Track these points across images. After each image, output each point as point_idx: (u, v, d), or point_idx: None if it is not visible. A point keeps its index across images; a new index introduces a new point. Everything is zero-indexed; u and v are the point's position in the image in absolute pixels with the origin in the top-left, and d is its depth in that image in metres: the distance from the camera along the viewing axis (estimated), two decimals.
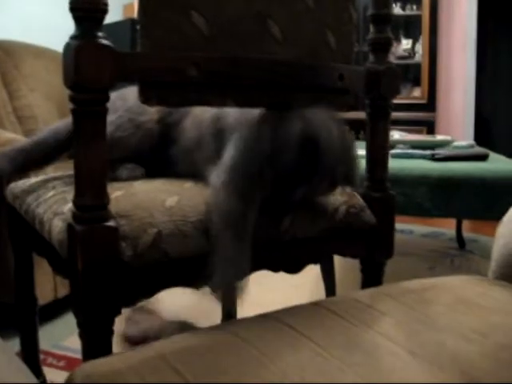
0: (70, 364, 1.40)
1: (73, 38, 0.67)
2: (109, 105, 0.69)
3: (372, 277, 1.00)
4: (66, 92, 0.69)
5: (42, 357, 1.30)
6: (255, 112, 0.83)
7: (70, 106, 0.68)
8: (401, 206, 1.46)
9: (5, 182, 1.08)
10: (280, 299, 1.26)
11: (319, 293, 1.75)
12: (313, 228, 0.89)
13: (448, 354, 0.56)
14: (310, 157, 0.77)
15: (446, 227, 2.98)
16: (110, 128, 0.73)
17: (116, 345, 0.73)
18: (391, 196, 0.99)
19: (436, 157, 1.74)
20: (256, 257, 0.75)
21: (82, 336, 0.71)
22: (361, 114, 1.00)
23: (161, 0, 0.72)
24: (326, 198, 0.90)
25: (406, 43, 4.64)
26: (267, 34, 0.81)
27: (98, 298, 0.69)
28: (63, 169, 1.06)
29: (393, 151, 1.81)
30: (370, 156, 0.98)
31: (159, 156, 0.94)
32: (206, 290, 0.80)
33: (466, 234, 2.76)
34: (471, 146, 2.18)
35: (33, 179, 1.01)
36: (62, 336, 1.55)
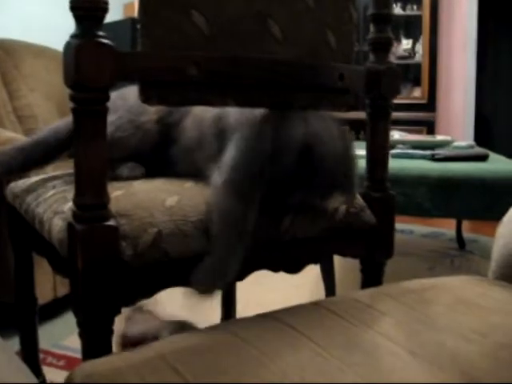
0: (69, 363, 1.40)
1: (73, 36, 0.67)
2: (109, 104, 0.69)
3: (372, 277, 1.00)
4: (66, 91, 0.68)
5: (41, 356, 1.31)
6: (257, 112, 0.83)
7: (71, 104, 0.68)
8: (401, 206, 1.46)
9: (5, 182, 1.08)
10: (280, 299, 1.26)
11: (319, 293, 1.75)
12: (313, 228, 0.89)
13: (448, 354, 0.56)
14: (311, 162, 0.77)
15: (446, 227, 2.98)
16: (110, 128, 0.73)
17: (115, 344, 0.73)
18: (391, 196, 0.99)
19: (436, 157, 1.74)
20: (256, 257, 0.75)
21: (81, 335, 0.71)
22: (361, 114, 1.00)
23: None
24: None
25: (406, 43, 4.64)
26: (267, 33, 0.81)
27: (98, 298, 0.69)
28: (63, 168, 1.06)
29: (393, 151, 1.81)
30: (370, 156, 0.98)
31: (159, 156, 0.94)
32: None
33: (465, 234, 2.76)
34: (471, 147, 2.18)
35: (33, 178, 1.01)
36: (62, 335, 1.55)
